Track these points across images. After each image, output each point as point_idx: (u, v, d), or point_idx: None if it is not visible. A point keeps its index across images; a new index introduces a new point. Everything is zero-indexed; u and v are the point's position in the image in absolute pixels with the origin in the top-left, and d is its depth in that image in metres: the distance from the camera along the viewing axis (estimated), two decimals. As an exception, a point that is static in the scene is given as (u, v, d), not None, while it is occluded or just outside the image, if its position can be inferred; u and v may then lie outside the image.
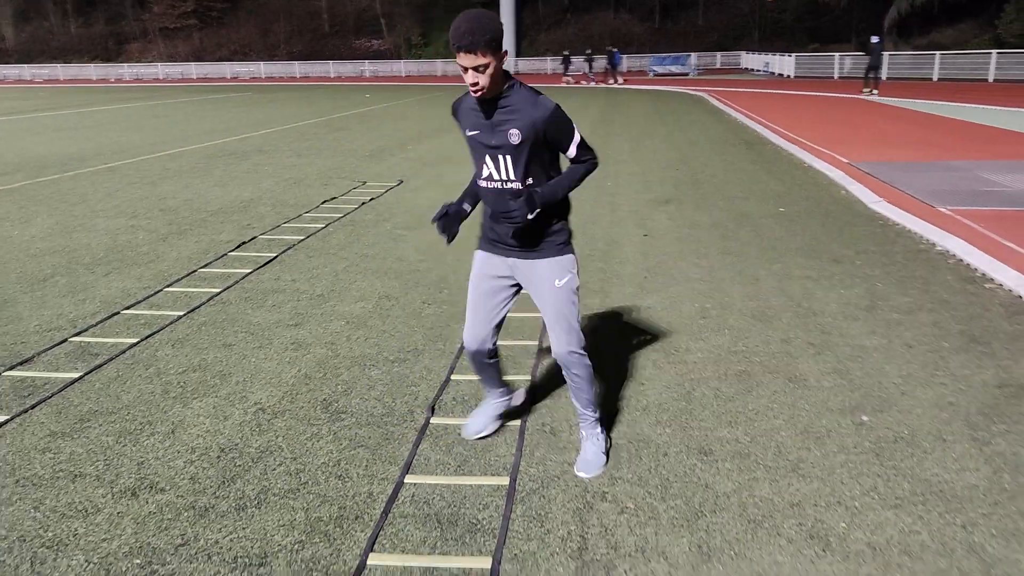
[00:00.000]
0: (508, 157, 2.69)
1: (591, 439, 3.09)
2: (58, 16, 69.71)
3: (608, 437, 3.22)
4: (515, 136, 2.65)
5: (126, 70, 61.08)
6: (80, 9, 69.26)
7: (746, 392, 3.71)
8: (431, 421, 3.44)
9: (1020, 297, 5.01)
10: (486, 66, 2.52)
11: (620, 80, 36.39)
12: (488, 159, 2.73)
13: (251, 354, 4.25)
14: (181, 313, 4.90)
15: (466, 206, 2.96)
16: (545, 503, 2.82)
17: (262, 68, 58.78)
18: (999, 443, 3.20)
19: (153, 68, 61.26)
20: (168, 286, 5.49)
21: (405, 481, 2.96)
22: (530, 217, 2.66)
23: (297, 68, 57.81)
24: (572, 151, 2.77)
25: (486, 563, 2.48)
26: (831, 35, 46.08)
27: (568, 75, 38.20)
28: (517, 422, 3.43)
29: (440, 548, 2.58)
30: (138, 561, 2.51)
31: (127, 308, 5.02)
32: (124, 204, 8.62)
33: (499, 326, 3.01)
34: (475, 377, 3.20)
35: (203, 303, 5.11)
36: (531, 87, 2.68)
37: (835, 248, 6.34)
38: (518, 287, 2.98)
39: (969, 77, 29.57)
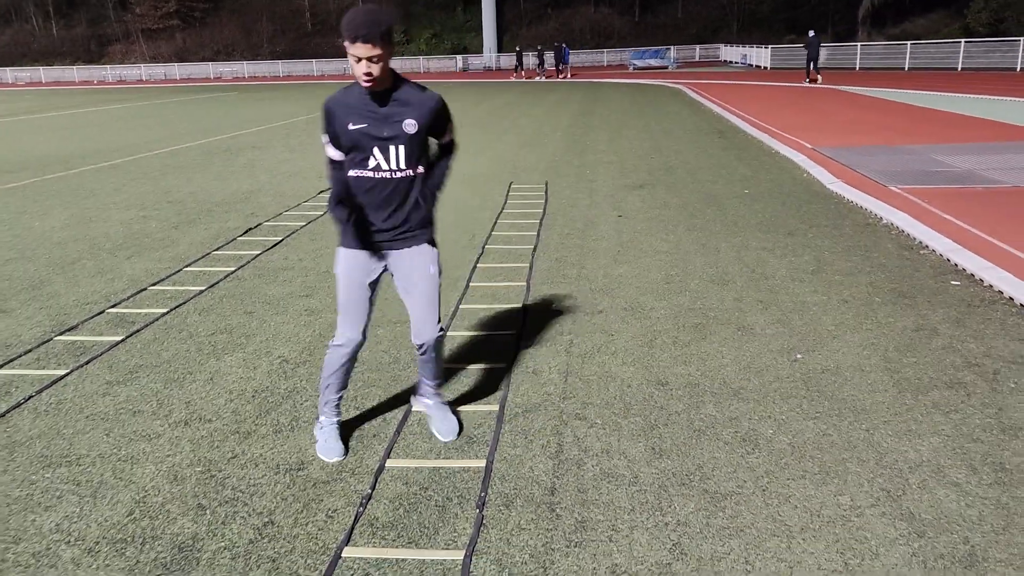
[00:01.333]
0: (401, 147, 2.79)
1: (441, 407, 3.36)
2: (40, 18, 69.54)
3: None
4: (411, 126, 2.77)
5: (109, 72, 61.12)
6: (62, 11, 69.13)
7: (700, 339, 4.34)
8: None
9: (947, 260, 5.67)
10: (380, 57, 2.62)
11: (568, 74, 38.65)
12: (376, 151, 2.79)
13: (270, 319, 4.84)
14: (203, 288, 5.48)
15: (341, 197, 2.95)
16: (528, 422, 3.43)
17: (245, 68, 59.00)
18: (907, 371, 3.84)
19: (136, 69, 61.34)
20: (187, 266, 6.06)
21: (413, 409, 3.56)
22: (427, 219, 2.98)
23: (280, 67, 58.07)
24: (447, 136, 2.99)
25: (481, 463, 3.09)
26: (807, 26, 46.81)
27: (522, 70, 40.61)
28: (503, 364, 4.03)
29: (443, 455, 3.18)
30: (199, 469, 3.10)
31: (153, 284, 5.59)
32: (132, 197, 9.16)
33: (370, 318, 3.07)
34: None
35: (221, 279, 5.68)
36: (414, 81, 2.85)
37: (791, 223, 6.99)
38: (378, 281, 3.05)
39: (939, 66, 30.40)
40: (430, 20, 61.37)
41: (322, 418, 3.24)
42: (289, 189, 9.44)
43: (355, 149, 2.82)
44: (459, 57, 53.93)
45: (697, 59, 49.28)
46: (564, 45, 39.99)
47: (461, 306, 4.99)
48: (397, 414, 3.53)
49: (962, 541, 2.52)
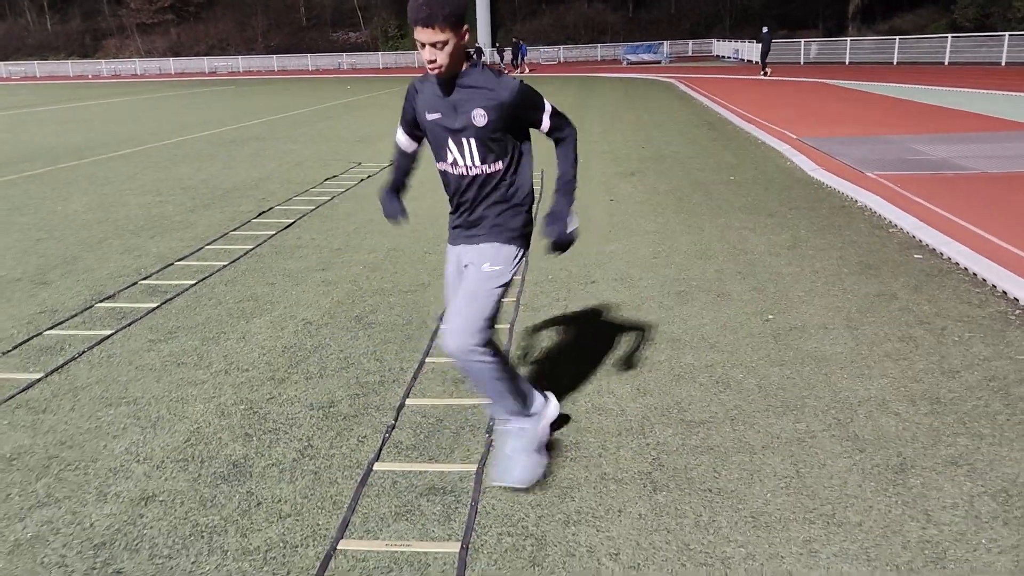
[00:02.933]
0: (473, 140, 2.56)
1: (507, 434, 2.91)
2: (34, 12, 69.60)
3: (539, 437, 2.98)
4: (480, 117, 2.52)
5: (104, 66, 61.31)
6: (56, 6, 69.20)
7: (683, 304, 4.81)
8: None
9: (913, 236, 6.15)
10: (445, 43, 2.38)
11: (526, 70, 41.28)
12: (451, 143, 2.60)
13: (291, 289, 5.29)
14: (225, 263, 5.92)
15: (397, 186, 2.99)
16: (529, 370, 3.89)
17: (240, 62, 59.29)
18: (866, 328, 4.31)
19: (131, 64, 61.53)
20: (208, 244, 6.50)
21: (426, 360, 4.02)
22: (570, 230, 2.68)
23: (275, 61, 58.36)
24: (546, 122, 2.65)
25: (488, 400, 3.55)
26: (798, 21, 47.42)
27: (496, 64, 43.13)
28: (506, 325, 4.49)
29: (455, 395, 3.64)
30: (242, 407, 3.55)
31: (179, 260, 6.03)
32: (147, 184, 9.59)
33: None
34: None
35: (241, 256, 6.13)
36: (493, 68, 2.63)
37: (772, 206, 7.46)
38: None
39: (927, 60, 30.96)
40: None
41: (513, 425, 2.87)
42: (296, 177, 9.88)
43: (433, 141, 2.67)
44: (507, 50, 54.04)
45: (690, 54, 49.78)
46: (522, 42, 43.36)
47: (465, 278, 5.44)
48: (413, 363, 3.99)
49: (896, 455, 3.00)
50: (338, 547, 2.52)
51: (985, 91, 18.72)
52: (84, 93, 33.46)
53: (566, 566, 2.41)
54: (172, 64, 60.19)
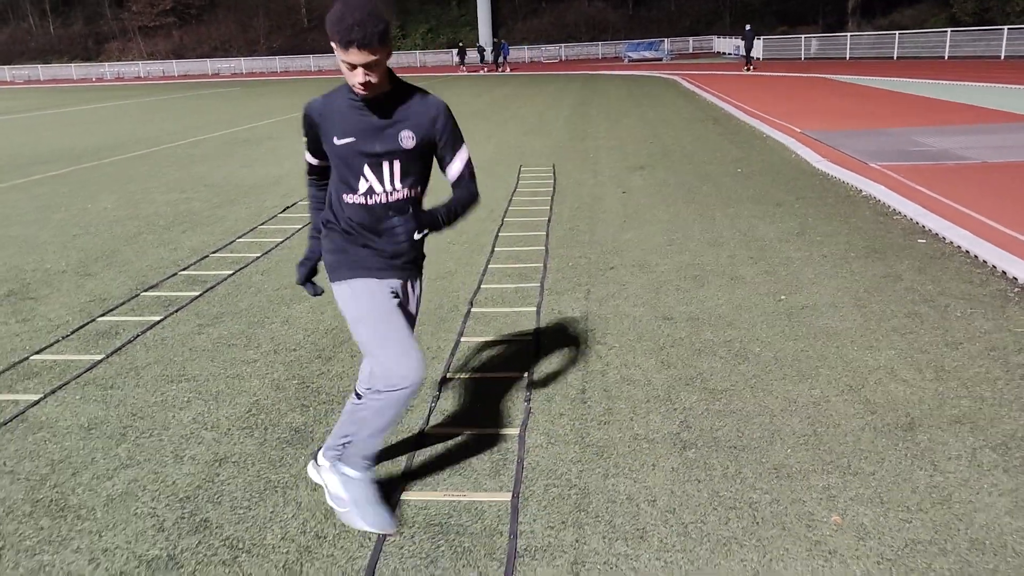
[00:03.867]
0: (396, 163, 2.36)
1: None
2: (36, 17, 69.90)
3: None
4: (408, 140, 2.35)
5: (107, 69, 61.58)
6: (58, 9, 69.50)
7: (699, 287, 5.07)
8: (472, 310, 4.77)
9: (916, 222, 6.40)
10: (377, 63, 2.19)
11: (507, 69, 42.43)
12: (368, 170, 2.36)
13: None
14: (258, 255, 6.19)
15: (312, 258, 2.71)
16: (558, 347, 4.16)
17: (243, 64, 59.53)
18: (873, 306, 4.57)
19: (134, 66, 61.81)
20: (239, 238, 6.77)
21: (461, 340, 4.29)
22: (416, 237, 2.46)
23: (278, 63, 58.60)
24: (456, 166, 2.47)
25: (523, 375, 3.82)
26: (799, 17, 47.63)
27: (463, 64, 44.27)
28: (533, 308, 4.75)
29: (492, 370, 3.91)
30: (295, 382, 3.82)
31: (213, 252, 6.30)
32: (170, 183, 9.86)
33: None
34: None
35: (272, 248, 6.40)
36: (411, 83, 2.43)
37: (780, 196, 7.72)
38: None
39: (926, 55, 31.17)
40: (426, 15, 61.93)
41: (356, 475, 2.58)
42: (314, 174, 10.14)
43: (342, 168, 2.39)
44: (454, 51, 54.49)
45: (691, 51, 49.99)
46: (504, 42, 44.77)
47: (489, 266, 5.71)
48: (449, 342, 4.26)
49: (904, 415, 3.26)
50: (402, 497, 2.79)
51: (984, 84, 18.96)
52: (91, 96, 33.75)
53: (608, 511, 2.68)
54: (175, 66, 60.45)
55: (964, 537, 2.47)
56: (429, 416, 3.41)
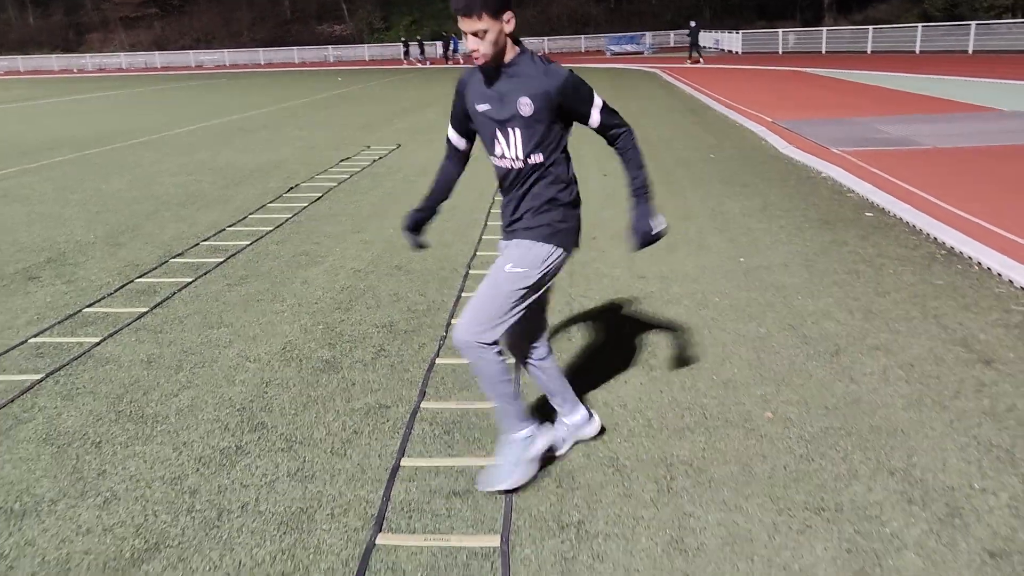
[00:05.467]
0: (518, 130, 2.51)
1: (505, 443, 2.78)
2: (16, 8, 69.48)
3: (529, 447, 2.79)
4: (526, 107, 2.47)
5: (88, 60, 61.40)
6: (38, 0, 69.09)
7: (669, 252, 5.73)
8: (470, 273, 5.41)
9: (867, 199, 7.11)
10: (486, 31, 2.37)
11: (460, 61, 44.21)
12: (499, 134, 2.54)
13: (335, 246, 6.17)
14: (270, 228, 6.79)
15: (425, 211, 2.85)
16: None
17: (227, 56, 59.58)
18: (819, 265, 5.26)
19: (116, 58, 61.67)
20: (250, 214, 7.37)
21: (462, 295, 4.93)
22: (657, 231, 2.67)
23: (261, 55, 58.70)
24: (595, 117, 2.57)
25: (517, 319, 4.45)
26: (777, 12, 48.47)
27: (415, 58, 46.60)
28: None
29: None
30: (321, 327, 4.44)
31: (229, 226, 6.90)
32: (176, 167, 10.41)
33: (532, 327, 2.79)
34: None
35: (283, 223, 7.00)
36: (543, 56, 2.56)
37: (747, 178, 8.41)
38: None
39: (899, 49, 32.07)
40: (410, 7, 62.24)
41: (524, 432, 2.75)
42: (312, 159, 10.73)
43: (483, 133, 2.62)
44: (438, 43, 54.91)
45: (672, 45, 50.72)
46: (453, 36, 46.01)
47: (483, 237, 6.34)
48: (451, 297, 4.89)
49: (833, 345, 3.94)
50: (420, 406, 3.43)
51: (950, 77, 19.79)
52: (78, 87, 33.96)
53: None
54: (158, 58, 60.40)
55: (866, 424, 3.15)
56: (439, 350, 4.05)
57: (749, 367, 3.73)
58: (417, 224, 2.86)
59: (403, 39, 47.91)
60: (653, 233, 2.67)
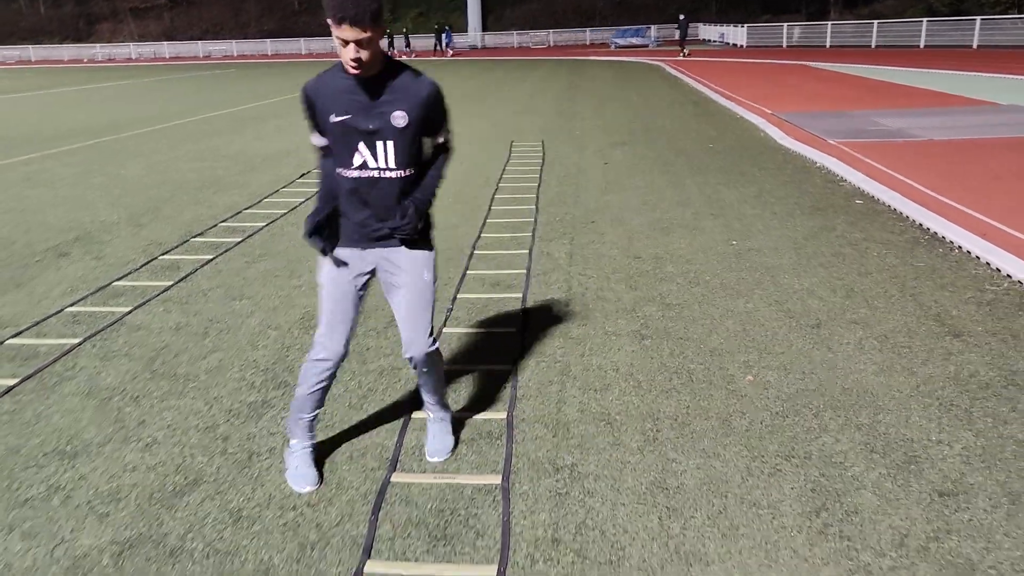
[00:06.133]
0: (389, 142, 2.47)
1: (438, 422, 3.05)
2: (26, -3, 69.81)
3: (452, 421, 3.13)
4: (400, 119, 2.44)
5: (98, 50, 61.72)
6: (48, -10, 69.42)
7: (665, 235, 6.02)
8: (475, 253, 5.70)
9: (858, 187, 7.38)
10: (370, 41, 2.30)
11: (450, 54, 44.54)
12: (362, 146, 2.48)
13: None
14: (285, 211, 7.09)
15: (323, 214, 2.66)
16: (547, 278, 5.09)
17: (234, 47, 59.83)
18: (808, 249, 5.54)
19: (125, 48, 61.96)
20: (265, 198, 7.67)
21: (467, 272, 5.22)
22: (420, 226, 2.63)
23: (269, 46, 58.93)
24: (441, 137, 2.63)
25: (518, 295, 4.75)
26: (782, 6, 48.49)
27: (399, 50, 46.81)
28: (525, 250, 5.68)
29: (492, 291, 4.84)
30: (335, 300, 4.74)
31: (246, 209, 7.20)
32: (191, 153, 10.71)
33: (354, 329, 2.78)
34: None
35: (297, 206, 7.30)
36: (404, 63, 2.52)
37: (744, 167, 8.68)
38: (366, 285, 2.75)
39: (904, 44, 32.18)
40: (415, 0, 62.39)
41: (293, 441, 2.87)
42: (322, 147, 11.01)
43: (338, 143, 2.51)
44: (442, 36, 55.12)
45: (677, 38, 50.78)
46: (447, 28, 47.04)
47: (488, 220, 6.63)
48: (458, 274, 5.19)
49: (814, 319, 4.23)
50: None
51: (952, 72, 19.97)
52: (89, 77, 34.30)
53: (583, 374, 3.63)
54: (167, 48, 60.68)
55: (839, 387, 3.44)
56: (446, 320, 4.34)
57: (735, 337, 4.02)
58: (319, 228, 2.65)
59: (387, 32, 48.53)
60: (404, 221, 2.57)
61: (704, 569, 2.32)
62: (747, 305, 4.48)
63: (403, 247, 2.66)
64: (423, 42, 55.71)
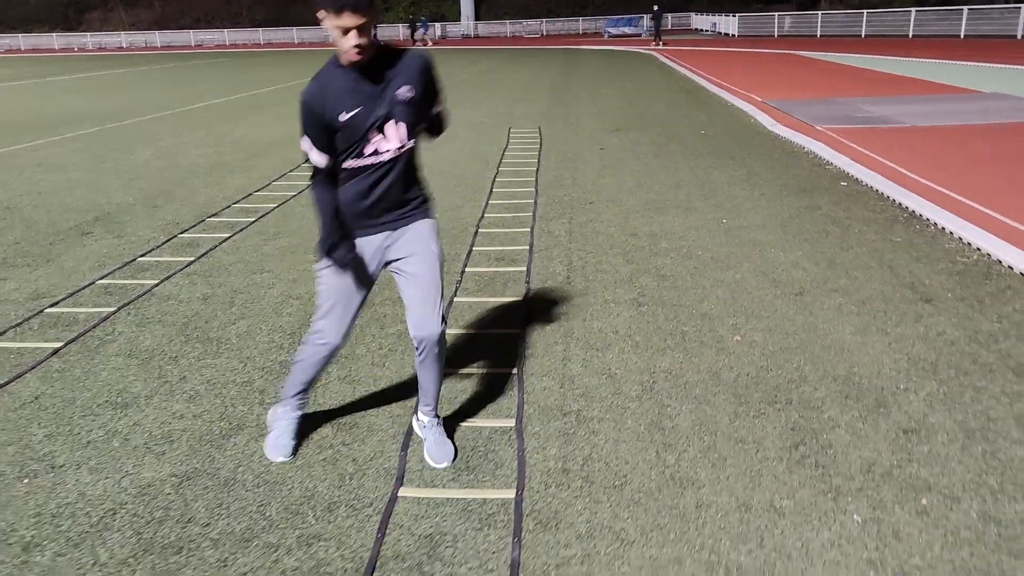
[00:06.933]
0: (400, 122, 2.50)
1: (435, 429, 2.94)
2: (15, -15, 69.34)
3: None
4: (408, 91, 2.48)
5: (89, 39, 61.53)
6: (38, -22, 68.99)
7: (660, 214, 6.34)
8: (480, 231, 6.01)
9: (843, 171, 7.71)
10: (368, 26, 2.32)
11: (430, 44, 45.28)
12: (372, 134, 2.47)
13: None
14: (294, 193, 7.38)
15: (335, 236, 2.62)
16: (548, 253, 5.41)
17: (227, 35, 59.76)
18: (793, 226, 5.87)
19: (116, 37, 61.80)
20: (275, 180, 7.95)
21: (473, 248, 5.53)
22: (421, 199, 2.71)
23: (261, 35, 58.92)
24: (439, 104, 2.68)
25: (523, 268, 5.07)
26: (774, -5, 48.76)
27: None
28: (527, 229, 6.00)
29: (500, 264, 5.15)
30: (350, 273, 5.05)
31: (257, 191, 7.48)
32: (196, 139, 10.97)
33: (355, 320, 2.79)
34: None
35: (306, 187, 7.58)
36: (387, 43, 2.53)
37: (735, 151, 9.00)
38: (375, 276, 2.73)
39: (892, 33, 32.54)
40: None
41: (280, 409, 2.95)
42: (324, 133, 11.28)
43: (348, 141, 2.48)
44: (438, 25, 55.22)
45: (670, 27, 51.02)
46: (424, 18, 48.74)
47: (490, 201, 6.94)
48: (464, 250, 5.50)
49: (798, 288, 4.56)
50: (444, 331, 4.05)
51: (938, 61, 20.33)
52: (85, 65, 34.33)
53: (585, 336, 3.95)
54: (158, 37, 60.56)
55: (819, 345, 3.78)
56: (456, 290, 4.66)
57: (724, 304, 4.35)
58: (334, 248, 2.62)
59: (421, 19, 48.93)
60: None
61: (696, 492, 2.65)
62: (736, 276, 4.81)
63: (409, 223, 2.66)
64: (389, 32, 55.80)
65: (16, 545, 2.44)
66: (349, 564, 2.33)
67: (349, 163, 2.53)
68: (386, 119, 2.47)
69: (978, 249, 5.14)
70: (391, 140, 2.51)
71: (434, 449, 2.89)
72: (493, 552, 2.37)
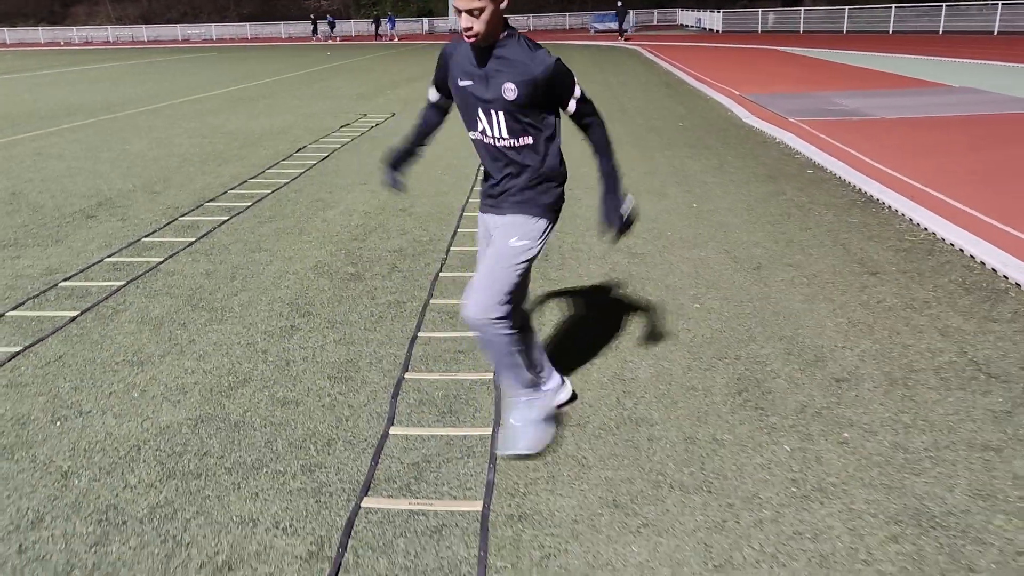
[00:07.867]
0: (501, 113, 2.53)
1: (517, 407, 2.92)
2: (0, -21, 68.96)
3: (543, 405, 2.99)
4: (510, 91, 2.49)
5: (75, 33, 61.36)
6: (22, -29, 68.65)
7: (635, 199, 6.72)
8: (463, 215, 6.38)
9: (811, 159, 8.13)
10: (481, 10, 2.38)
11: (395, 39, 47.66)
12: (481, 113, 2.57)
13: (346, 195, 7.12)
14: (287, 180, 7.73)
15: (405, 150, 2.92)
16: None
17: (214, 30, 59.75)
18: (759, 210, 6.27)
19: (102, 31, 61.65)
20: (268, 169, 8.29)
21: (458, 230, 5.90)
22: (627, 216, 2.77)
23: (248, 29, 58.95)
24: (572, 106, 2.61)
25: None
26: (759, -8, 49.23)
27: (316, 36, 49.47)
28: (510, 211, 6.37)
29: (482, 245, 5.52)
30: (343, 251, 5.40)
31: (251, 178, 7.82)
32: (190, 131, 11.27)
33: (519, 299, 2.79)
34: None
35: (299, 175, 7.93)
36: (531, 40, 2.56)
37: (710, 142, 9.41)
38: None
39: (873, 29, 33.09)
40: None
41: (524, 398, 2.91)
42: (314, 125, 11.62)
43: (464, 108, 2.65)
44: (424, 20, 55.50)
45: (655, 23, 51.51)
46: (391, 14, 50.35)
47: (475, 188, 7.30)
48: (449, 232, 5.87)
49: (756, 263, 4.96)
50: (430, 302, 4.42)
51: (914, 56, 20.84)
52: (72, 59, 34.40)
53: (559, 305, 4.33)
54: (145, 31, 60.47)
55: (769, 311, 4.18)
56: (441, 268, 5.03)
57: (687, 277, 4.74)
58: (397, 160, 2.92)
59: (311, 16, 50.62)
60: (624, 219, 2.75)
61: (649, 428, 3.04)
62: (700, 253, 5.21)
63: (505, 214, 2.70)
64: (405, 25, 55.95)
65: (56, 472, 2.80)
66: (347, 485, 2.70)
67: (469, 134, 2.71)
68: (489, 105, 2.55)
69: (925, 229, 5.56)
70: (494, 128, 2.58)
71: (503, 433, 2.92)
72: (471, 475, 2.75)
